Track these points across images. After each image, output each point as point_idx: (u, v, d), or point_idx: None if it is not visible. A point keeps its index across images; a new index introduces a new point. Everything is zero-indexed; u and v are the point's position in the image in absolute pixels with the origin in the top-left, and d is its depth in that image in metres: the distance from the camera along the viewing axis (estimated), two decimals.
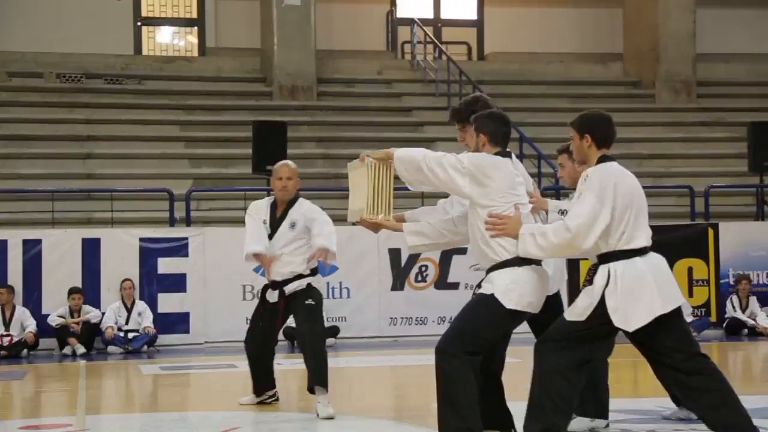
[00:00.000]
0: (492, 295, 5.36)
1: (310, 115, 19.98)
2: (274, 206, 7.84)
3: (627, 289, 5.25)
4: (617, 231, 5.30)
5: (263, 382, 8.00)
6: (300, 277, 7.66)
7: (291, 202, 7.79)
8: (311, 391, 7.41)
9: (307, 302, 7.57)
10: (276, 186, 7.81)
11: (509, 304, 5.35)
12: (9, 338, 13.53)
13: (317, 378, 7.36)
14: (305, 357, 7.52)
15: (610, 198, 5.27)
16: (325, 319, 14.05)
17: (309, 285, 7.66)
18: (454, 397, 5.26)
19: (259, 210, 7.88)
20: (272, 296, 7.72)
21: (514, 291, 5.35)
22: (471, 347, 5.32)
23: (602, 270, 5.33)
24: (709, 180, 17.75)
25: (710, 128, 21.00)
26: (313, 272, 7.73)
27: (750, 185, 17.89)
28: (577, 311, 5.38)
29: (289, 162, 7.96)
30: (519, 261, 5.39)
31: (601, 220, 5.26)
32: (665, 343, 5.31)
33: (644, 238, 5.36)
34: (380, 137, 18.99)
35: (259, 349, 7.89)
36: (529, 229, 5.39)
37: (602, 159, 5.43)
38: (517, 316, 5.45)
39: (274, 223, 7.72)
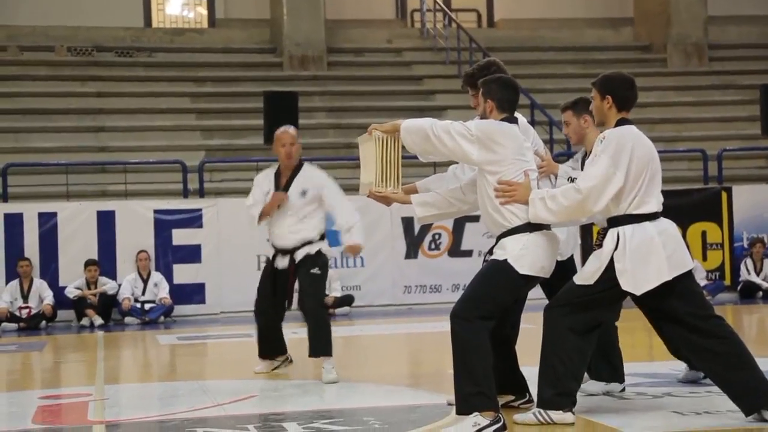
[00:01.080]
0: (505, 260, 5.38)
1: (320, 84, 19.96)
2: (278, 175, 7.77)
3: (635, 252, 5.27)
4: (629, 195, 5.32)
5: (272, 347, 8.06)
6: (310, 243, 7.62)
7: (296, 168, 7.68)
8: (315, 356, 7.47)
9: (312, 271, 7.56)
10: (280, 153, 7.68)
11: (522, 269, 5.37)
12: (27, 310, 13.66)
13: (320, 346, 7.42)
14: (308, 325, 7.57)
15: (625, 162, 5.27)
16: (340, 287, 14.38)
17: (318, 251, 7.62)
18: (469, 363, 5.28)
19: (261, 182, 7.84)
20: (282, 262, 7.72)
21: (527, 256, 5.37)
22: (485, 312, 5.34)
23: (611, 233, 5.36)
24: (722, 143, 17.71)
25: (722, 91, 20.92)
26: (322, 237, 7.69)
27: (763, 148, 17.85)
28: (585, 275, 5.41)
29: (290, 127, 7.82)
30: (529, 227, 5.40)
31: (614, 184, 5.27)
32: (678, 307, 5.34)
33: (655, 204, 5.37)
34: (391, 106, 19.00)
35: (269, 316, 7.96)
36: (539, 194, 5.39)
37: (621, 122, 5.43)
38: (529, 281, 5.48)
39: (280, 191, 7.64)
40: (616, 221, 5.37)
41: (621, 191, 5.30)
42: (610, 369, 6.30)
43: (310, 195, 7.59)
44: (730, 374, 5.27)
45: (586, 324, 5.39)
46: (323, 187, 7.62)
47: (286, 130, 7.74)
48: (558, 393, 5.34)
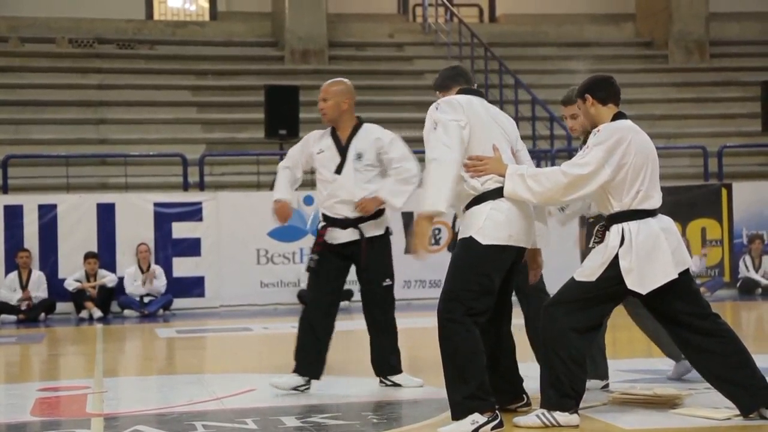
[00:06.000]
0: (470, 237, 5.22)
1: (321, 78, 19.77)
2: (335, 134, 6.74)
3: (642, 250, 5.18)
4: (632, 189, 5.22)
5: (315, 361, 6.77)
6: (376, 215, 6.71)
7: (356, 128, 6.72)
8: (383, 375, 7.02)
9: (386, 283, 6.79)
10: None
11: (485, 240, 5.17)
12: (27, 302, 13.64)
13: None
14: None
15: (618, 158, 5.20)
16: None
17: (387, 228, 6.79)
18: (459, 365, 5.15)
19: (308, 141, 6.84)
20: (343, 236, 6.68)
21: (488, 227, 5.19)
22: (469, 307, 5.16)
23: (615, 229, 5.25)
24: (723, 140, 17.71)
25: (723, 88, 20.92)
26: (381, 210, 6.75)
27: (763, 145, 17.85)
28: (587, 271, 5.28)
29: (338, 79, 6.80)
30: (493, 194, 5.23)
31: (600, 178, 5.19)
32: (678, 305, 5.28)
33: (658, 199, 5.31)
34: (392, 101, 19.01)
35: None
36: (518, 169, 5.26)
37: (616, 116, 5.37)
38: (501, 253, 5.22)
39: (342, 152, 6.69)
40: (618, 217, 5.27)
41: (620, 186, 5.22)
42: (591, 365, 6.19)
43: (366, 158, 6.63)
44: (729, 374, 5.23)
45: (588, 323, 5.26)
46: (389, 143, 6.65)
47: (327, 83, 6.79)
48: (562, 395, 5.20)
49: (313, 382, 6.74)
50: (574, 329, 5.23)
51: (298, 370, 6.67)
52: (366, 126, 6.77)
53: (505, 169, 5.25)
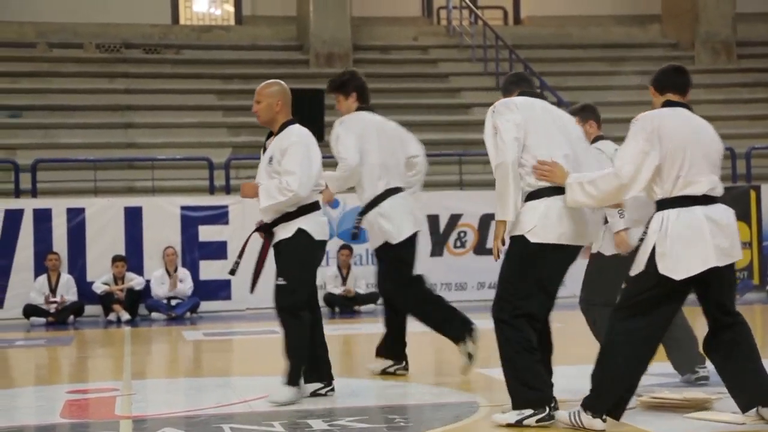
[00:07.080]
0: (521, 236, 5.27)
1: None
2: (269, 137, 6.59)
3: (677, 235, 5.06)
4: (670, 175, 5.13)
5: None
6: (286, 218, 6.43)
7: (280, 129, 6.48)
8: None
9: (278, 282, 6.59)
10: None
11: (535, 237, 5.23)
12: (56, 305, 13.73)
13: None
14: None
15: (656, 139, 5.12)
16: (365, 285, 14.35)
17: (299, 230, 6.45)
18: (515, 364, 5.24)
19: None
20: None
21: (538, 225, 5.25)
22: (514, 304, 5.22)
23: (657, 216, 5.18)
24: (751, 141, 17.60)
25: (751, 89, 20.80)
26: (309, 208, 6.46)
27: None
28: (638, 264, 5.20)
29: (271, 81, 6.59)
30: (549, 191, 5.30)
31: (650, 161, 5.11)
32: (718, 297, 5.22)
33: (706, 184, 5.15)
34: (417, 104, 19.02)
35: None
36: (577, 178, 5.29)
37: (665, 105, 5.32)
38: (552, 252, 5.26)
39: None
40: (661, 204, 5.18)
41: (659, 171, 5.14)
42: None
43: (275, 161, 6.37)
44: (739, 366, 5.20)
45: (645, 327, 5.15)
46: (285, 150, 6.33)
47: (261, 85, 6.57)
48: (595, 396, 5.19)
49: (340, 385, 6.76)
50: (630, 334, 5.15)
51: (305, 378, 6.65)
52: (288, 128, 6.46)
53: (565, 179, 5.30)
